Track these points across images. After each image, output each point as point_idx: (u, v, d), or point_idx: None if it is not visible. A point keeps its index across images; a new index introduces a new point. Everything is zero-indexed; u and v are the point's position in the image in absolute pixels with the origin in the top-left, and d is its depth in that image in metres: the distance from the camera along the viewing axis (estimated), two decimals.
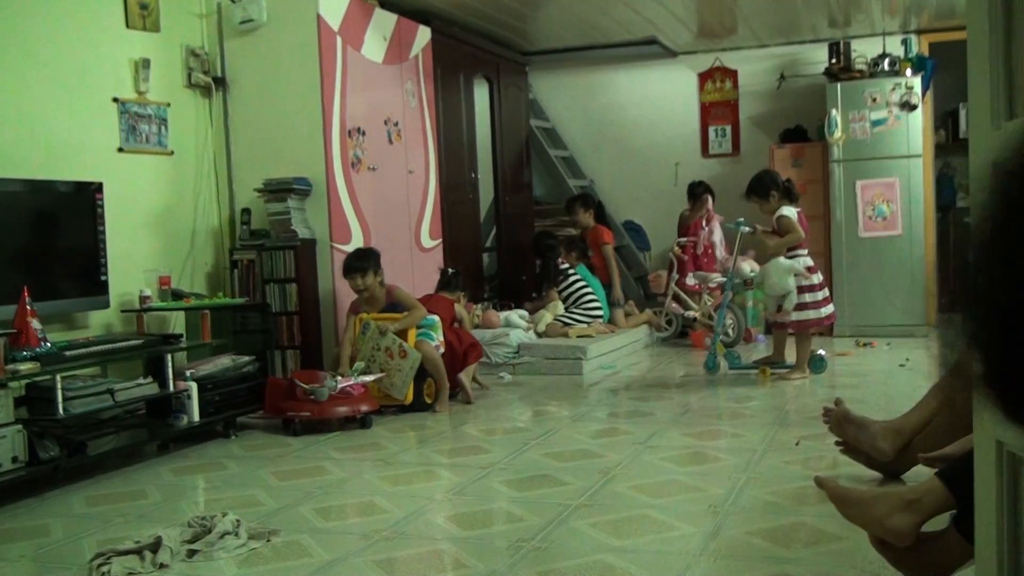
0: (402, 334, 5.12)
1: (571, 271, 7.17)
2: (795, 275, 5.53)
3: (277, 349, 5.31)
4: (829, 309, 5.69)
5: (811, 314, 5.60)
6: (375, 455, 4.21)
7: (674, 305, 7.54)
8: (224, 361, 4.82)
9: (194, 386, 4.51)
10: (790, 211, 5.62)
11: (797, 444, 4.04)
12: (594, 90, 8.82)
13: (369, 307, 5.25)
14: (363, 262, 5.18)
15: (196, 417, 4.50)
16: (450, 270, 6.03)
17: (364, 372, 4.98)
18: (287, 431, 4.76)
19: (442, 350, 5.32)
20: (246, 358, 4.92)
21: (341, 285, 5.48)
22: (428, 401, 5.22)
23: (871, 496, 2.42)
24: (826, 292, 5.68)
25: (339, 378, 4.82)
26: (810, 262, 5.63)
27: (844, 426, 3.47)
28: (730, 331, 7.09)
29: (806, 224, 5.78)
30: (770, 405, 5.01)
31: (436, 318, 5.37)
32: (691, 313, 7.44)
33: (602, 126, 8.83)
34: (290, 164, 5.47)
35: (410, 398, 5.11)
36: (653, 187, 8.73)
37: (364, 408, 4.81)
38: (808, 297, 5.58)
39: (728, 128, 8.52)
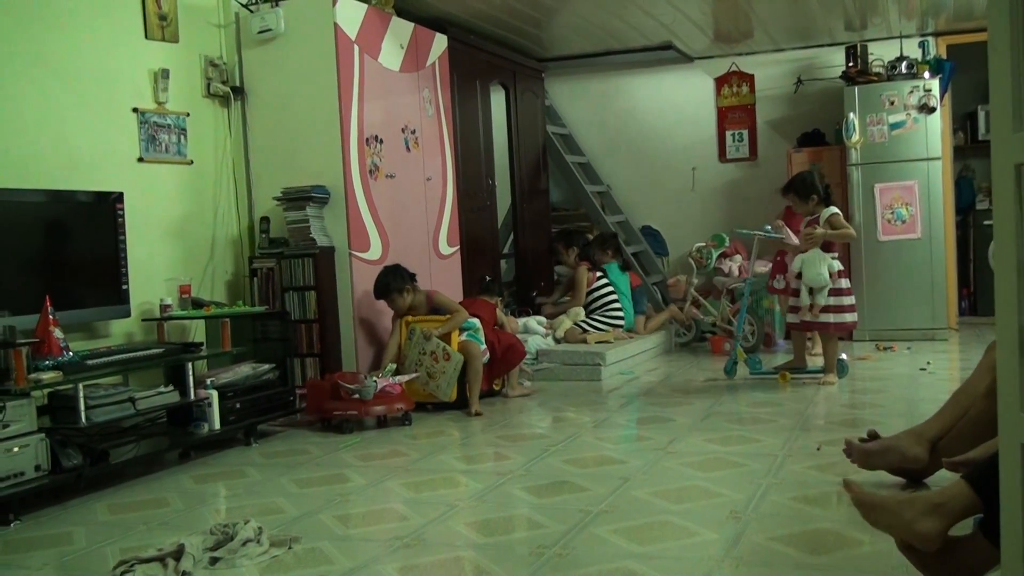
0: (445, 337, 5.35)
1: (601, 276, 7.14)
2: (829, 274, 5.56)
3: (296, 357, 5.32)
4: (855, 316, 5.67)
5: (847, 317, 5.59)
6: (396, 462, 4.21)
7: (693, 310, 7.52)
8: (244, 369, 4.83)
9: (215, 394, 4.53)
10: (837, 210, 5.65)
11: (819, 449, 4.02)
12: (610, 96, 8.81)
13: (412, 313, 5.48)
14: (386, 286, 5.41)
15: (217, 425, 4.52)
16: (487, 277, 6.31)
17: (397, 373, 5.19)
18: (331, 430, 4.94)
19: (487, 357, 5.51)
20: (266, 366, 4.94)
21: (360, 293, 5.50)
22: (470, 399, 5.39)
23: (897, 501, 2.40)
24: (853, 299, 5.66)
25: (377, 379, 4.99)
26: (840, 266, 5.62)
27: (869, 459, 3.44)
28: (750, 336, 7.06)
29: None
30: (791, 410, 4.98)
31: (476, 321, 5.57)
32: (710, 318, 7.42)
33: (619, 132, 8.82)
34: (308, 172, 5.49)
35: (454, 396, 5.33)
36: (670, 192, 8.71)
37: (403, 406, 5.03)
38: (835, 301, 5.55)
39: (745, 132, 8.50)
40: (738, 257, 7.76)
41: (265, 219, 5.57)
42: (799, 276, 5.62)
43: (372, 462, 4.24)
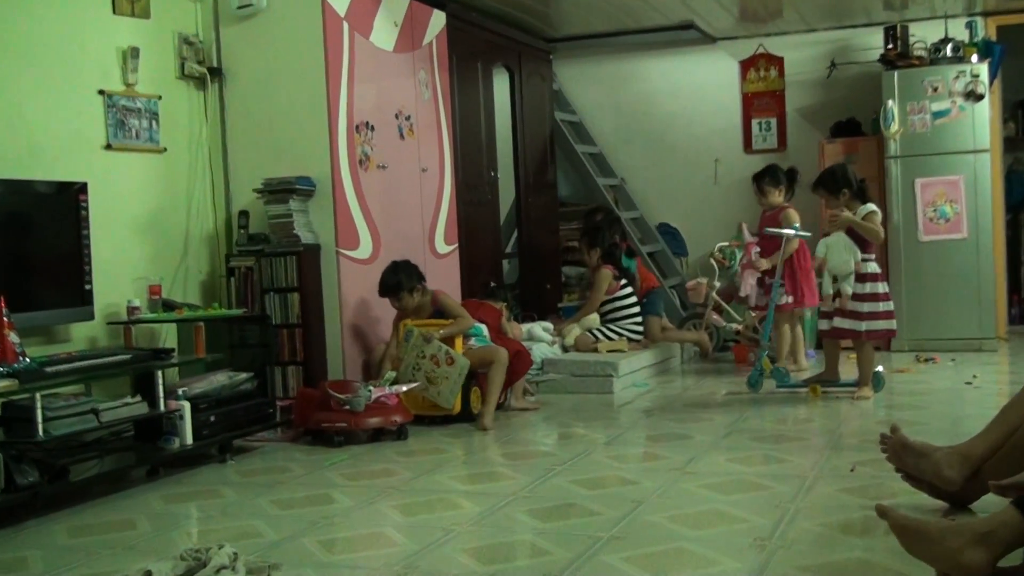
0: (448, 341, 5.33)
1: (625, 284, 7.08)
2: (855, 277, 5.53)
3: (277, 365, 5.31)
4: (893, 323, 5.65)
5: (882, 324, 5.57)
6: (387, 481, 4.20)
7: (715, 317, 7.49)
8: (220, 378, 4.82)
9: (187, 406, 4.51)
10: (876, 209, 5.61)
11: (852, 470, 4.00)
12: (625, 80, 8.81)
13: (415, 315, 5.49)
14: (397, 283, 5.41)
15: (189, 440, 4.50)
16: (492, 283, 6.34)
17: (396, 381, 5.16)
18: (321, 443, 4.93)
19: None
20: (244, 375, 4.93)
21: (348, 295, 5.49)
22: (475, 411, 5.36)
23: (940, 529, 2.38)
24: (891, 305, 5.64)
25: (372, 388, 4.98)
26: (877, 269, 5.60)
27: (903, 455, 3.44)
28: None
29: None
30: (822, 427, 4.97)
31: (484, 328, 5.59)
32: (734, 325, 7.40)
33: (634, 119, 8.81)
34: (292, 162, 5.48)
35: (458, 407, 5.32)
36: (690, 186, 8.70)
37: (399, 419, 5.01)
38: (869, 307, 5.53)
39: (773, 121, 8.48)
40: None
41: (244, 213, 5.56)
42: (819, 273, 5.61)
43: (361, 481, 4.23)
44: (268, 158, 5.55)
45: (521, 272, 7.80)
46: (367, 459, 4.66)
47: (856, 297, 5.54)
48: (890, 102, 7.40)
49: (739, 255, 7.42)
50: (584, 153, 8.53)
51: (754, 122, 8.54)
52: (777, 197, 6.73)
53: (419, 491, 4.02)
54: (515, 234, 7.85)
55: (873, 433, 4.72)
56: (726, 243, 7.59)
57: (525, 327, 6.79)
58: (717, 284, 7.46)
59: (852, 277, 5.53)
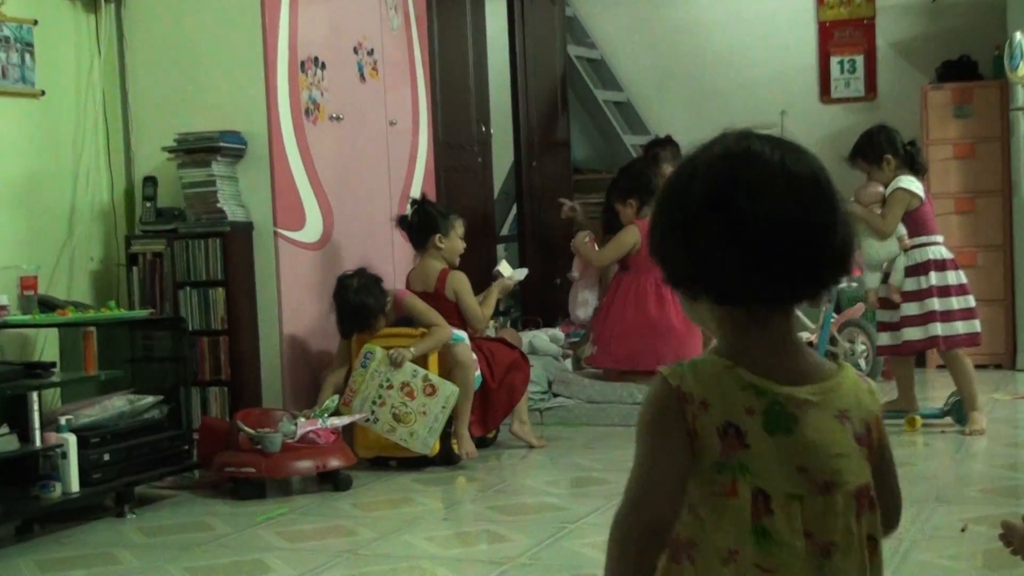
0: (422, 361, 5.27)
1: None
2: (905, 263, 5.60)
3: (196, 386, 5.30)
4: (975, 325, 5.63)
5: (960, 327, 5.55)
6: (339, 543, 4.20)
7: None
8: (117, 403, 4.81)
9: (72, 440, 4.49)
10: (912, 184, 5.60)
11: (963, 531, 3.99)
12: (662, 4, 8.80)
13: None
14: (364, 309, 5.33)
15: (75, 486, 4.48)
16: (409, 211, 5.85)
17: (337, 412, 5.11)
18: (236, 495, 4.85)
19: (478, 372, 5.47)
20: (150, 399, 4.91)
21: (290, 290, 5.47)
22: (457, 451, 5.37)
23: None
24: (970, 300, 5.63)
25: (301, 420, 4.91)
26: (947, 254, 5.61)
27: None
28: (862, 361, 7.03)
29: (931, 207, 5.76)
30: (921, 472, 4.96)
31: (464, 335, 5.52)
32: (804, 335, 7.39)
33: (674, 58, 8.81)
34: (215, 112, 5.46)
35: (436, 449, 5.26)
36: None
37: (334, 462, 4.92)
38: (942, 304, 5.53)
39: (859, 60, 8.48)
40: None
41: (150, 180, 5.54)
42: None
43: (305, 543, 4.23)
44: (183, 106, 5.53)
45: (522, 262, 7.77)
46: (314, 513, 4.65)
47: (915, 296, 5.53)
48: (1018, 35, 7.38)
49: None
50: (607, 102, 8.53)
51: (834, 61, 8.53)
52: (631, 212, 6.51)
53: (382, 556, 4.01)
54: (514, 210, 7.84)
55: (994, 480, 4.72)
56: None
57: (527, 336, 6.77)
58: None
59: (899, 262, 5.54)
